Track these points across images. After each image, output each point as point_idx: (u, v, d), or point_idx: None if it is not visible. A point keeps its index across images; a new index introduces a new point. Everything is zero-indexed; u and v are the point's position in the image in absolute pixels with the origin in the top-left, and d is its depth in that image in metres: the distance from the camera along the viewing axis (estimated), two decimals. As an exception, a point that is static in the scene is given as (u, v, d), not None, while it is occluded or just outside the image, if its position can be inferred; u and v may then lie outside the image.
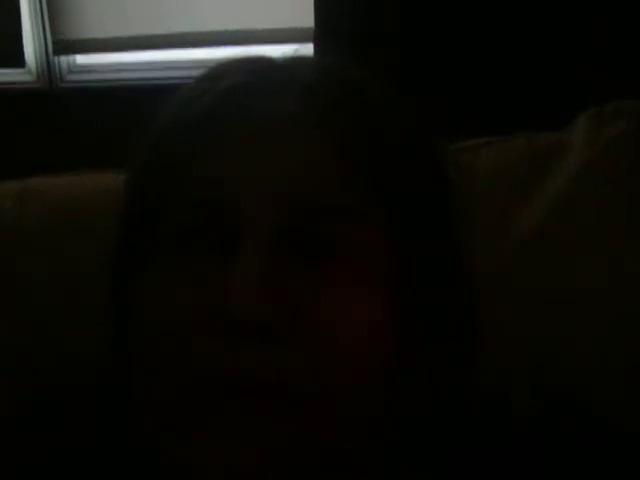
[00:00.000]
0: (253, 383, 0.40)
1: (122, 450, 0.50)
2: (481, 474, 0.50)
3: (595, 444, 0.53)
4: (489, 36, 1.24)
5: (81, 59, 2.11)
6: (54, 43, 2.05)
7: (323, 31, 1.39)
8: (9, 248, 0.60)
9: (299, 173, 0.44)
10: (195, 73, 0.52)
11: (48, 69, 2.07)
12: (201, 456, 0.40)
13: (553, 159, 0.63)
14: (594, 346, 0.58)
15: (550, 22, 1.21)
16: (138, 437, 0.46)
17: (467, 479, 0.50)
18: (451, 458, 0.49)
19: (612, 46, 1.16)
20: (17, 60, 1.99)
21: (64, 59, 2.09)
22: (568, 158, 0.62)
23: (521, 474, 0.51)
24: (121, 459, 0.50)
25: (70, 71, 2.10)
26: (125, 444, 0.49)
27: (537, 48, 1.22)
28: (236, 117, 0.46)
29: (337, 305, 0.42)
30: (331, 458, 0.43)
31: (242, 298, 0.39)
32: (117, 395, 0.48)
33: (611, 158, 0.62)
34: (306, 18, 1.48)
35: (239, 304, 0.39)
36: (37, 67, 2.08)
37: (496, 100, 1.18)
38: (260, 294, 0.40)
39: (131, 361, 0.45)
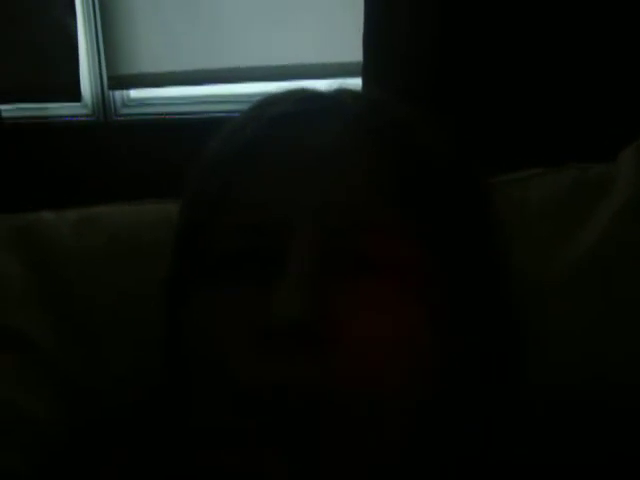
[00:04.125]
0: (297, 391, 0.41)
1: (168, 466, 0.51)
2: None
3: None
4: (534, 63, 1.24)
5: (135, 93, 2.16)
6: (109, 78, 2.11)
7: (371, 65, 1.41)
8: (68, 271, 0.61)
9: (342, 195, 0.45)
10: (245, 107, 0.54)
11: (103, 103, 2.13)
12: (246, 466, 0.42)
13: (604, 189, 0.63)
14: None
15: (599, 48, 1.20)
16: (185, 453, 0.47)
17: None
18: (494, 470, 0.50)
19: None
20: (74, 95, 2.05)
21: (118, 94, 2.15)
22: (618, 188, 0.62)
23: None
24: (167, 473, 0.51)
25: (124, 105, 2.16)
26: (171, 460, 0.50)
27: (585, 76, 1.22)
28: (282, 142, 0.48)
29: (379, 319, 0.43)
30: (374, 471, 0.43)
31: (286, 305, 0.41)
32: (170, 412, 0.50)
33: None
34: (354, 52, 1.50)
35: (283, 311, 0.41)
36: (93, 101, 2.14)
37: (537, 130, 1.18)
38: (304, 302, 0.41)
39: (183, 378, 0.47)
